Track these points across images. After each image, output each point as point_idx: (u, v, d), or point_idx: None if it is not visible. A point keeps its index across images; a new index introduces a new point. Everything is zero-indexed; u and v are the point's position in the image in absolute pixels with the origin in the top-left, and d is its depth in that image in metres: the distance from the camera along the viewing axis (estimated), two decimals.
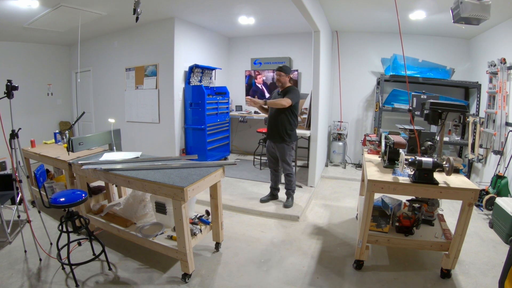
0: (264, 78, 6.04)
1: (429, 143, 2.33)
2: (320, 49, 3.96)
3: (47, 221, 3.05)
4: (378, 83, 5.02)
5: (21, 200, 2.64)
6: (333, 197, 4.07)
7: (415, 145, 2.36)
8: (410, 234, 2.34)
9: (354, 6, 4.04)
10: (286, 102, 3.16)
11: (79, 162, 2.67)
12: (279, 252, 2.65)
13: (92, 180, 3.12)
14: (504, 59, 3.64)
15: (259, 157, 5.30)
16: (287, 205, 3.47)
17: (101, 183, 3.25)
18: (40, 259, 2.43)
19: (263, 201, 3.65)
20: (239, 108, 6.21)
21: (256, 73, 6.06)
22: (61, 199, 2.12)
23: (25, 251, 2.51)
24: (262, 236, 2.94)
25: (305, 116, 4.49)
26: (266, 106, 3.42)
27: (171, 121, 4.90)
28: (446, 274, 2.24)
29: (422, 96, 3.00)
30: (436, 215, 2.59)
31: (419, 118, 2.58)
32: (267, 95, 5.98)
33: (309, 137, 4.23)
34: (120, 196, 3.41)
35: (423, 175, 2.05)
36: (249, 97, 3.37)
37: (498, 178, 3.52)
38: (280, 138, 3.31)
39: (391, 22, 4.48)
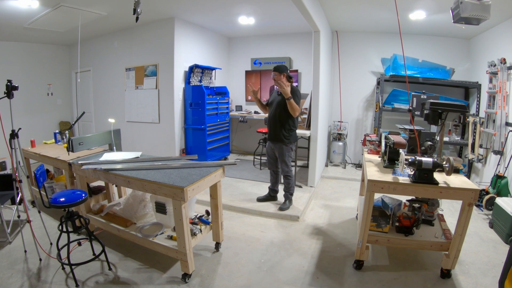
0: None
1: (429, 143, 2.33)
2: (320, 49, 3.96)
3: (47, 221, 3.05)
4: (378, 83, 5.02)
5: (21, 200, 2.64)
6: (333, 197, 4.07)
7: (415, 145, 2.36)
8: (410, 234, 2.34)
9: (354, 6, 4.04)
10: (298, 111, 3.20)
11: (79, 162, 2.67)
12: (279, 252, 2.65)
13: (92, 180, 3.12)
14: (504, 59, 3.64)
15: (259, 157, 5.30)
16: (283, 207, 3.42)
17: (101, 183, 3.25)
18: (40, 259, 2.43)
19: (260, 200, 3.65)
20: (239, 108, 6.21)
21: None
22: (61, 199, 2.12)
23: (25, 251, 2.51)
24: (262, 236, 2.94)
25: (305, 116, 4.49)
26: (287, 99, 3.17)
27: (171, 121, 4.90)
28: (446, 274, 2.24)
29: (422, 96, 3.00)
30: (436, 215, 2.59)
31: (419, 118, 2.58)
32: None
33: (309, 137, 4.23)
34: (120, 196, 3.40)
35: (423, 175, 2.05)
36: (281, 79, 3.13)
37: (498, 178, 3.52)
38: (279, 138, 3.30)
39: (391, 22, 4.48)
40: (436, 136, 2.41)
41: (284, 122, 3.26)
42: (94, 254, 2.46)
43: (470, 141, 4.33)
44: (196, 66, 4.93)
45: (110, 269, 2.35)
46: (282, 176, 3.52)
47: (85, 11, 4.03)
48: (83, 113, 3.73)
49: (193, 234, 2.32)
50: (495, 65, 3.82)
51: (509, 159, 3.49)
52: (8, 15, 3.98)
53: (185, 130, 5.10)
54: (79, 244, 2.60)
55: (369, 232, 2.29)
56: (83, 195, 2.22)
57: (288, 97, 3.06)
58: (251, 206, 3.52)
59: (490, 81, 3.98)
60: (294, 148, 3.46)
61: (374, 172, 2.32)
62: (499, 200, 3.06)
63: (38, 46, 5.72)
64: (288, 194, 3.49)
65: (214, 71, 5.51)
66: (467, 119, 4.30)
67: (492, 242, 2.85)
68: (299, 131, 4.21)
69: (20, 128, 2.49)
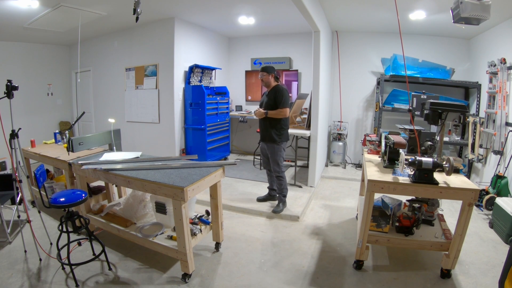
0: None
1: (429, 143, 2.33)
2: (320, 49, 3.96)
3: (47, 221, 3.04)
4: (378, 83, 5.02)
5: (21, 200, 2.64)
6: (333, 197, 4.07)
7: (415, 145, 2.36)
8: (410, 234, 2.34)
9: (354, 6, 4.04)
10: (285, 112, 3.21)
11: (79, 162, 2.67)
12: (279, 252, 2.65)
13: (92, 180, 3.12)
14: (504, 59, 3.64)
15: (259, 157, 5.29)
16: (276, 210, 3.36)
17: (101, 183, 3.24)
18: (40, 259, 2.43)
19: (259, 200, 3.64)
20: (239, 108, 6.21)
21: None
22: (61, 199, 2.12)
23: (25, 251, 2.51)
24: (262, 236, 2.94)
25: (305, 116, 4.49)
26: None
27: (171, 121, 4.90)
28: (446, 274, 2.24)
29: (422, 96, 3.00)
30: (436, 215, 2.59)
31: (419, 118, 2.58)
32: None
33: (309, 137, 4.23)
34: (120, 196, 3.40)
35: (423, 175, 2.05)
36: (259, 109, 3.31)
37: (498, 178, 3.52)
38: (270, 138, 3.28)
39: (391, 22, 4.48)
40: (436, 136, 2.41)
41: (274, 122, 3.25)
42: (94, 254, 2.46)
43: (470, 141, 4.33)
44: (196, 66, 4.93)
45: (110, 269, 2.35)
46: (275, 177, 3.44)
47: (85, 11, 4.03)
48: (83, 113, 3.73)
49: (193, 234, 2.32)
50: (495, 65, 3.82)
51: (509, 159, 3.49)
52: (8, 15, 3.98)
53: (185, 130, 5.10)
54: (79, 244, 2.60)
55: (369, 232, 2.29)
56: (83, 195, 2.22)
57: (265, 115, 3.22)
58: (251, 206, 3.52)
59: (490, 81, 3.98)
60: (285, 147, 3.41)
61: (374, 172, 2.32)
62: (499, 200, 3.06)
63: (38, 46, 5.72)
64: (281, 196, 3.43)
65: (214, 71, 5.51)
66: (467, 119, 4.29)
67: (492, 242, 2.85)
68: (299, 131, 4.22)
69: (20, 128, 2.49)
